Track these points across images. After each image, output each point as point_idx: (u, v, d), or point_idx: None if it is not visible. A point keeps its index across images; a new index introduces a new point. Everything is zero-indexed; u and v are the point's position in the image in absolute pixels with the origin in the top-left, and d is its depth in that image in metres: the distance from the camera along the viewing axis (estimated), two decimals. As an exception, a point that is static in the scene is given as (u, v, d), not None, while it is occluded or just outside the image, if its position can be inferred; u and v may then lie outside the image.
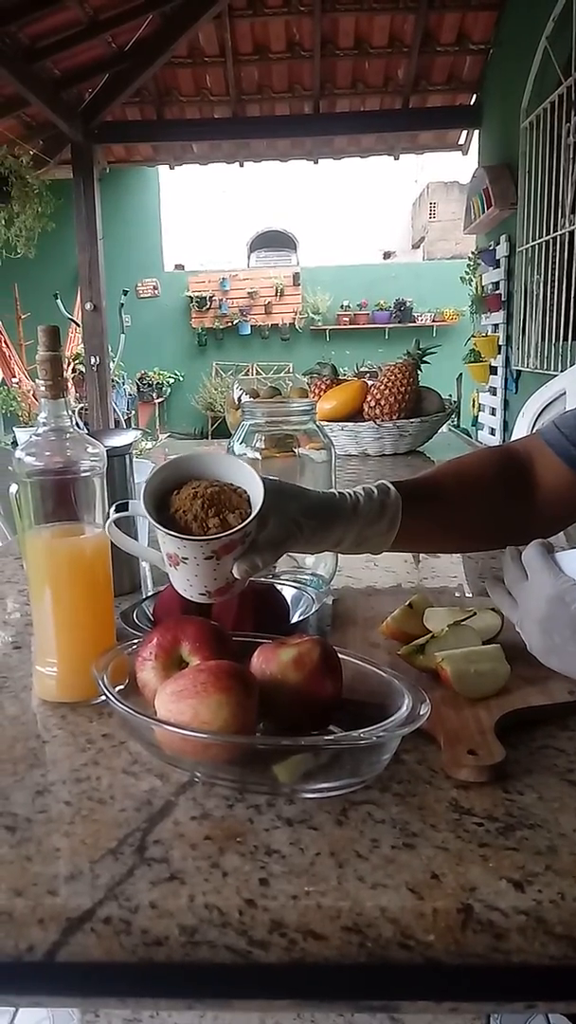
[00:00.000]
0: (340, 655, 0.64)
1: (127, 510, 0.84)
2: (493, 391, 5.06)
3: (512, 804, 0.55)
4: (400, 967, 0.45)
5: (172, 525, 0.67)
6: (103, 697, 0.60)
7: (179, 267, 10.00)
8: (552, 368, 3.79)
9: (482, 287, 5.25)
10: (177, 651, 0.64)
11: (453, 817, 0.53)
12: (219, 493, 0.69)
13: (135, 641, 0.69)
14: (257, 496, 0.68)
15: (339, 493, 0.78)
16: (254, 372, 9.67)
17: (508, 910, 0.45)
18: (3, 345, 7.54)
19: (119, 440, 1.00)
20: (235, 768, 0.58)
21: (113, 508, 0.81)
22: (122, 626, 0.78)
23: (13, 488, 0.86)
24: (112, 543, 0.78)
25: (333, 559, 1.02)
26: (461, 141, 6.49)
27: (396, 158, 6.76)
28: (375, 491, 0.79)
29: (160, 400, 9.72)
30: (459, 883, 0.47)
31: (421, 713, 0.57)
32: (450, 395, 2.94)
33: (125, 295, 8.22)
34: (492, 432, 5.05)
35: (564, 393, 1.93)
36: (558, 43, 3.72)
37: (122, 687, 0.66)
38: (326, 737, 0.60)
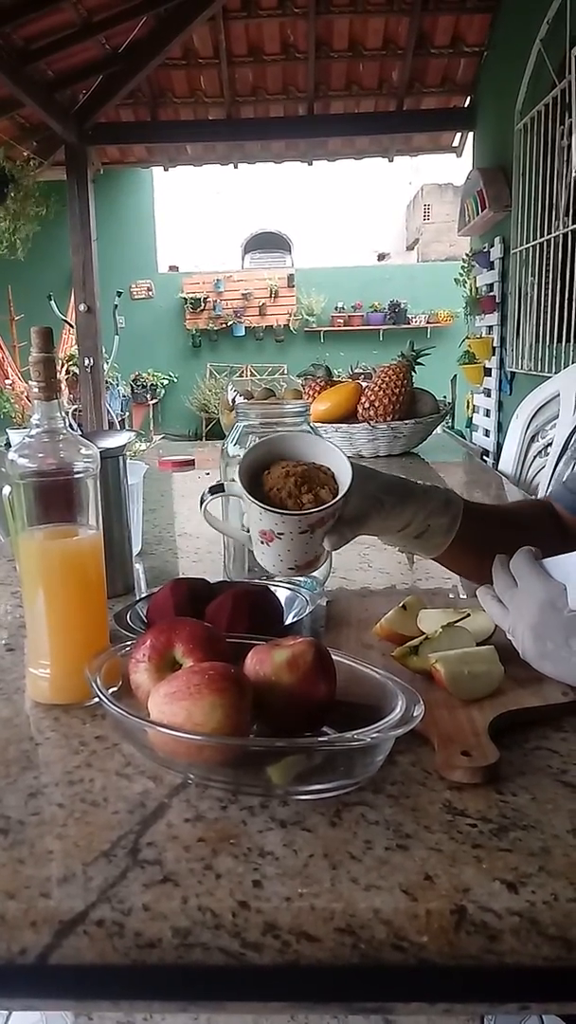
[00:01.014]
0: (334, 656, 0.64)
1: (222, 491, 0.88)
2: (487, 393, 5.07)
3: (506, 805, 0.55)
4: (394, 969, 0.45)
5: (267, 503, 0.73)
6: (96, 699, 0.60)
7: (173, 268, 9.99)
8: (546, 370, 3.80)
9: (476, 289, 5.26)
10: (171, 653, 0.64)
11: (447, 818, 0.53)
12: (308, 471, 0.75)
13: (128, 643, 0.69)
14: (344, 472, 0.75)
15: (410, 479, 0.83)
16: (248, 373, 9.68)
17: (501, 911, 0.45)
18: (-3, 346, 7.53)
19: (113, 442, 1.00)
20: (228, 770, 0.58)
21: (208, 490, 0.87)
22: (115, 628, 0.78)
23: (6, 490, 0.86)
24: (208, 521, 0.87)
25: (328, 560, 1.02)
26: (455, 143, 6.50)
27: (390, 160, 6.77)
28: (442, 488, 0.84)
29: (154, 401, 9.71)
30: (452, 884, 0.47)
31: (415, 714, 0.57)
32: (444, 397, 2.95)
33: (119, 296, 8.21)
34: (486, 433, 5.06)
35: (558, 395, 1.94)
36: (552, 46, 3.73)
37: (115, 689, 0.66)
38: (320, 739, 0.61)
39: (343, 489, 0.73)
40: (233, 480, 0.77)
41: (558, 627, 0.66)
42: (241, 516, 0.84)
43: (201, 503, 0.87)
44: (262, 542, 0.75)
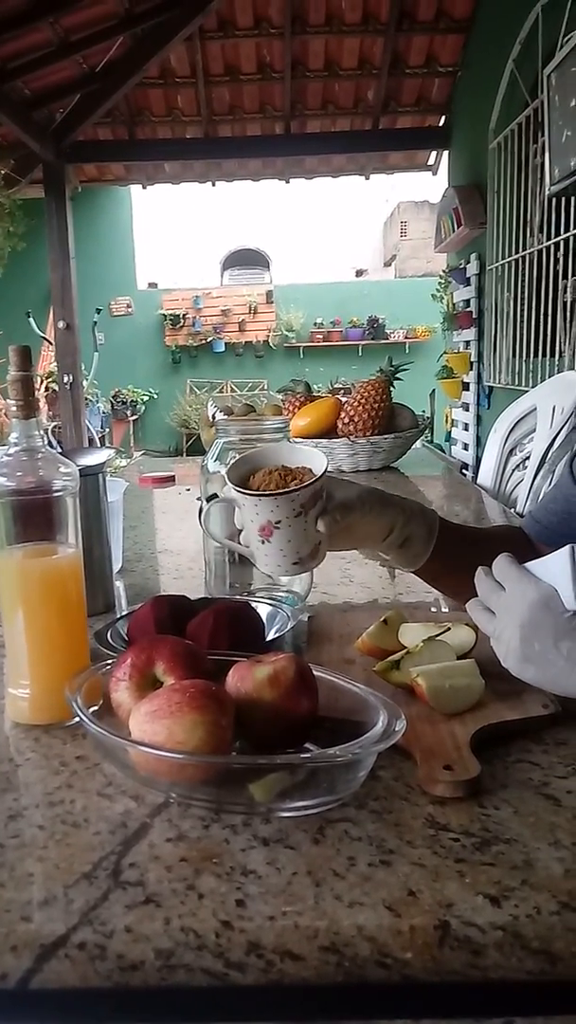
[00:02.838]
0: (315, 672, 0.64)
1: (218, 499, 0.91)
2: (466, 407, 5.11)
3: (488, 819, 0.55)
4: (378, 986, 0.45)
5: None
6: (77, 719, 0.59)
7: (152, 285, 10.01)
8: (523, 384, 3.84)
9: (453, 304, 5.31)
10: (151, 671, 0.63)
11: (429, 833, 0.53)
12: (287, 470, 0.80)
13: (109, 661, 0.68)
14: (320, 462, 0.80)
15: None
16: (228, 389, 9.69)
17: (485, 926, 0.45)
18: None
19: (92, 459, 0.99)
20: (211, 788, 0.57)
21: (205, 500, 0.92)
22: (96, 646, 0.78)
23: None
24: (206, 534, 0.91)
25: (309, 576, 1.02)
26: (431, 161, 6.58)
27: (367, 178, 6.84)
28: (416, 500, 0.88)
29: (134, 418, 9.69)
30: (436, 899, 0.47)
31: (396, 729, 0.57)
32: (423, 411, 2.97)
33: (98, 313, 8.20)
34: (465, 447, 5.10)
35: (535, 409, 1.96)
36: (524, 66, 3.79)
37: (96, 708, 0.66)
38: (302, 755, 0.60)
39: (321, 470, 0.79)
40: (221, 489, 0.82)
41: (548, 628, 0.65)
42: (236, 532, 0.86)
43: (200, 514, 0.91)
44: (262, 541, 0.79)
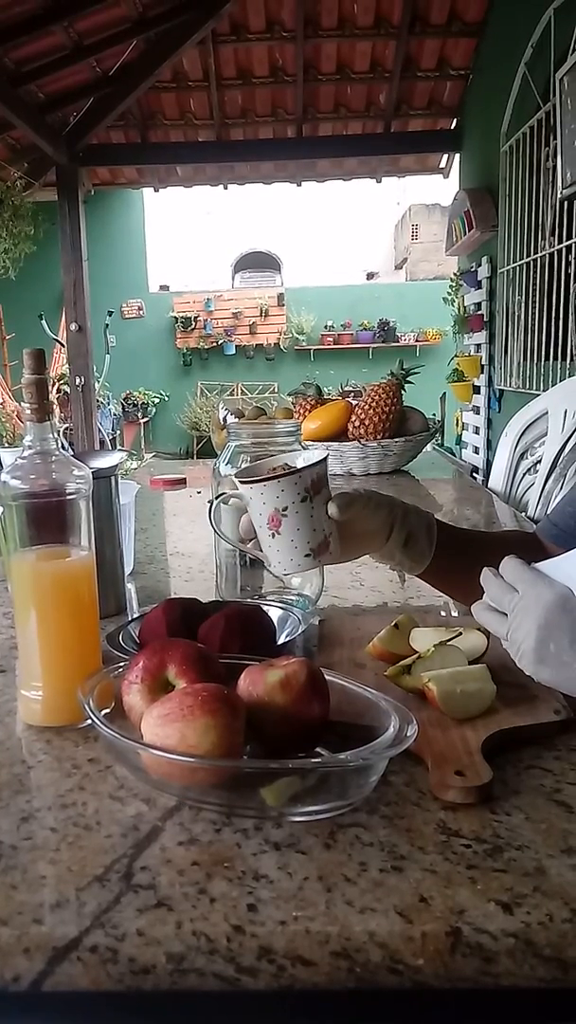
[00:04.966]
0: (327, 676, 0.64)
1: (225, 503, 0.93)
2: (476, 410, 5.10)
3: (500, 825, 0.55)
4: (389, 992, 0.45)
5: None
6: (89, 721, 0.59)
7: (164, 288, 10.04)
8: (534, 388, 3.82)
9: (464, 308, 5.30)
10: (163, 674, 0.63)
11: (441, 839, 0.53)
12: (290, 466, 0.82)
13: (121, 664, 0.68)
14: (316, 454, 0.82)
15: None
16: (239, 392, 9.70)
17: (497, 933, 0.45)
18: (-12, 366, 7.53)
19: (104, 462, 1.00)
20: (222, 792, 0.57)
21: (213, 498, 0.93)
22: (108, 649, 0.78)
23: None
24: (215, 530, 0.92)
25: (320, 579, 1.02)
26: (442, 165, 6.57)
27: (378, 181, 6.84)
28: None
29: (145, 420, 9.72)
30: (447, 906, 0.47)
31: (408, 734, 0.57)
32: (434, 414, 2.96)
33: (110, 316, 8.23)
34: (476, 451, 5.08)
35: (546, 412, 1.95)
36: (536, 69, 3.78)
37: (108, 711, 0.66)
38: (313, 759, 0.60)
39: (325, 455, 0.82)
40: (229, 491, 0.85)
41: (565, 629, 0.64)
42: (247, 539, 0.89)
43: (209, 511, 0.92)
44: (271, 534, 0.80)
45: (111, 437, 8.58)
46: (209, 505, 0.91)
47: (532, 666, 0.66)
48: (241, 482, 0.80)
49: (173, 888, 0.49)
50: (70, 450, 0.84)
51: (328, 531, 0.82)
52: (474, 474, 4.49)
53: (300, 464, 0.84)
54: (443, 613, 1.02)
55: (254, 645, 0.75)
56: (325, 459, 0.82)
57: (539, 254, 3.79)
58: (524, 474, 2.00)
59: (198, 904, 0.48)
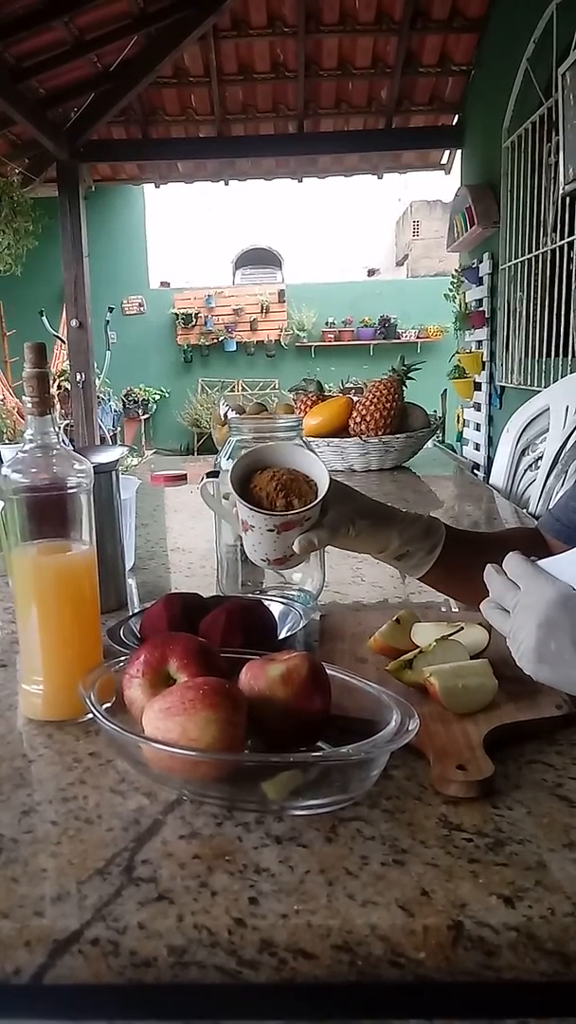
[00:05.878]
0: (328, 671, 0.64)
1: (217, 478, 0.96)
2: (477, 407, 5.09)
3: (501, 819, 0.55)
4: (391, 985, 0.45)
5: (248, 498, 0.80)
6: (90, 715, 0.59)
7: (165, 284, 10.02)
8: (535, 384, 3.82)
9: (466, 304, 5.30)
10: (164, 668, 0.63)
11: (442, 833, 0.53)
12: (292, 480, 0.81)
13: (122, 658, 0.68)
14: (323, 486, 0.81)
15: (393, 507, 0.88)
16: (240, 388, 9.69)
17: (498, 926, 0.45)
18: (-12, 362, 7.53)
19: (105, 456, 1.00)
20: (223, 786, 0.57)
21: (207, 475, 0.96)
22: (109, 643, 0.78)
23: (-1, 505, 0.85)
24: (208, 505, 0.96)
25: (321, 574, 1.02)
26: (444, 161, 6.56)
27: (379, 177, 6.83)
28: (425, 516, 0.88)
29: (146, 416, 9.71)
30: (449, 900, 0.47)
31: (409, 728, 0.56)
32: (435, 411, 2.96)
33: (111, 312, 8.22)
34: (477, 447, 5.08)
35: (547, 409, 1.95)
36: (538, 65, 3.77)
37: (109, 705, 0.66)
38: (315, 753, 0.60)
39: (317, 498, 0.80)
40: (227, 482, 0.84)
41: (566, 628, 0.63)
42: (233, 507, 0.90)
43: (201, 486, 0.95)
44: (243, 529, 0.82)
45: (112, 434, 8.58)
46: (201, 481, 0.95)
47: (532, 664, 0.66)
48: (232, 484, 0.81)
49: (174, 881, 0.49)
50: (71, 446, 0.83)
51: (290, 553, 0.82)
52: (475, 470, 4.48)
53: (304, 466, 0.83)
54: (444, 608, 1.02)
55: (255, 639, 0.75)
56: (309, 509, 0.79)
57: (541, 250, 3.79)
58: (525, 470, 2.00)
59: (199, 897, 0.48)
